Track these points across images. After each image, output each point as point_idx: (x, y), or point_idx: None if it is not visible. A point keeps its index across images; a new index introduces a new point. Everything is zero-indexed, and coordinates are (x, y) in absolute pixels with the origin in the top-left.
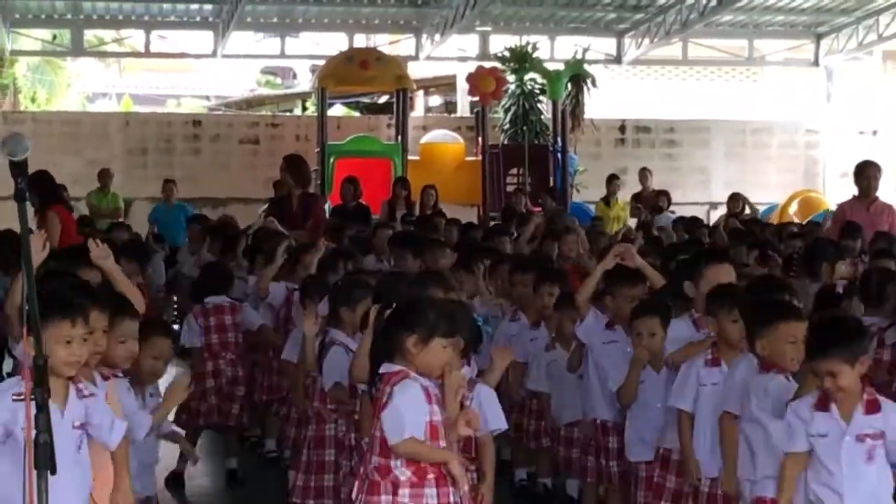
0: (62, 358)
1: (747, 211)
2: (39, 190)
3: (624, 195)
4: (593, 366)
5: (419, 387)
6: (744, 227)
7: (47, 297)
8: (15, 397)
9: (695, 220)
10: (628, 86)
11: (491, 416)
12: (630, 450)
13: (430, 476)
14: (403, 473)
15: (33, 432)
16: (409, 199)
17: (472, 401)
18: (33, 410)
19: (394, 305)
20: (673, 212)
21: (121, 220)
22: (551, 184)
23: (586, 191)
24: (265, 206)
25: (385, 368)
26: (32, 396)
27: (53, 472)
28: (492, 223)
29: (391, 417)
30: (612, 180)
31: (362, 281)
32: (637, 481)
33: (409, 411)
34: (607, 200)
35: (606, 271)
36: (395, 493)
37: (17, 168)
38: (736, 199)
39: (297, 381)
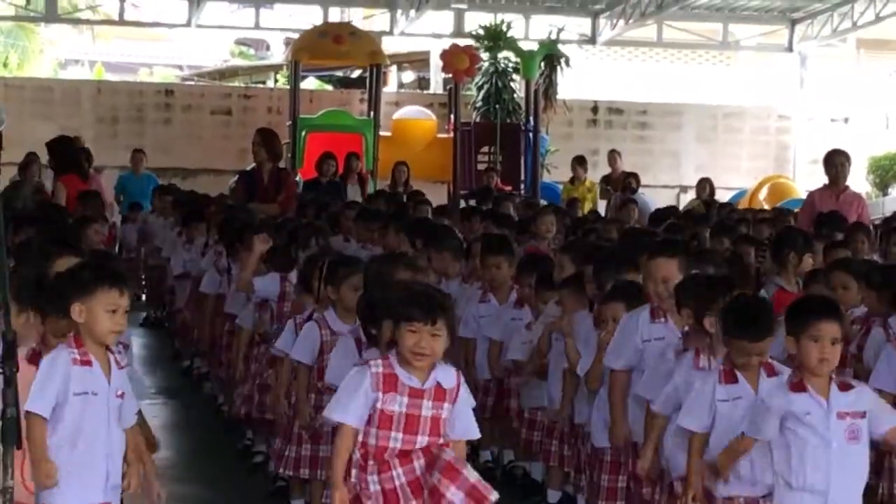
0: (107, 326)
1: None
2: (54, 157)
3: (595, 176)
4: (558, 354)
5: (367, 374)
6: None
7: (98, 266)
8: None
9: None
10: (602, 67)
11: (468, 424)
12: (595, 435)
13: (371, 462)
14: (356, 453)
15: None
16: (362, 175)
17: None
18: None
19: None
20: (643, 193)
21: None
22: (522, 163)
23: (556, 171)
24: (235, 178)
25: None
26: (1, 371)
27: (19, 447)
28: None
29: (334, 398)
30: (579, 163)
31: (351, 260)
32: (602, 466)
33: (343, 396)
34: (573, 181)
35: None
36: (347, 471)
37: None
38: (703, 185)
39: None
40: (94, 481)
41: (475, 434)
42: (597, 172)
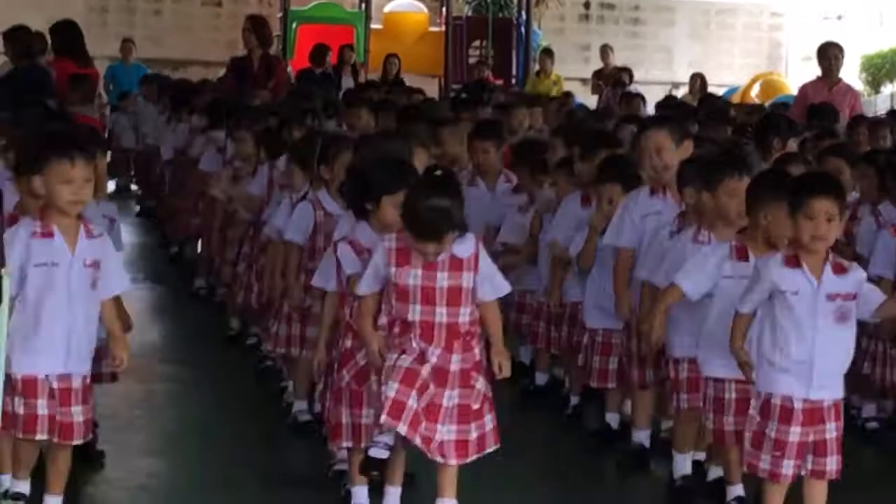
0: (64, 197)
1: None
2: (54, 40)
3: (587, 72)
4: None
5: (380, 250)
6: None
7: (49, 138)
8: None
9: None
10: None
11: (494, 283)
12: (588, 316)
13: (396, 329)
14: (382, 318)
15: None
16: (356, 66)
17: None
18: None
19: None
20: (635, 89)
21: None
22: (514, 58)
23: None
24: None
25: None
26: None
27: None
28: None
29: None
30: (547, 55)
31: (343, 138)
32: (594, 346)
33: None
34: (538, 74)
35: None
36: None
37: None
38: (695, 80)
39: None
40: (53, 350)
41: (506, 288)
42: (589, 67)
